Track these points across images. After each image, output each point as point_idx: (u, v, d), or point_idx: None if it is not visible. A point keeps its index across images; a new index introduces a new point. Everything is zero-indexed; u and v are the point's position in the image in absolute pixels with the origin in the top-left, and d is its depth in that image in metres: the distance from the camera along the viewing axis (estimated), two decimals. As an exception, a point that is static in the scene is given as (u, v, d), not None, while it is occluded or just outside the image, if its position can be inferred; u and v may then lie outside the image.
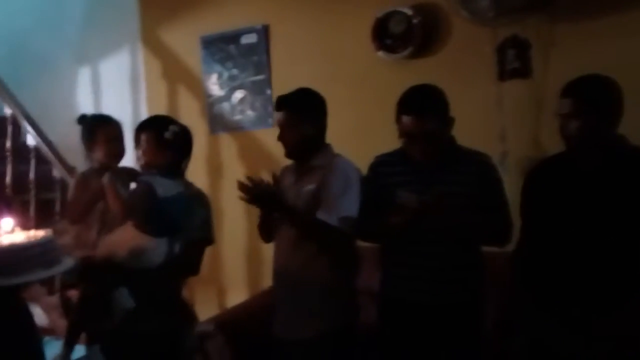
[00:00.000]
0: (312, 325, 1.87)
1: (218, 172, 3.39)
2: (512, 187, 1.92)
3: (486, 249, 1.91)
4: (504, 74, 2.68)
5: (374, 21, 2.88)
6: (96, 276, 1.83)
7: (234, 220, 3.23)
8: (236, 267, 3.41)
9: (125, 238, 1.84)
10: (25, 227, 1.57)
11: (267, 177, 1.93)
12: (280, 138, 1.94)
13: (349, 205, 1.82)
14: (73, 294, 3.20)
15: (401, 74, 2.78)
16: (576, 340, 1.58)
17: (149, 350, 1.83)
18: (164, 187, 1.86)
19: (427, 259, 1.81)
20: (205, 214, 1.98)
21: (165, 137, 1.88)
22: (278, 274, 1.99)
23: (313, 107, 1.95)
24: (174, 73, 3.60)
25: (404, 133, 1.82)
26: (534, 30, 2.60)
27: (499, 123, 2.64)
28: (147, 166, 1.92)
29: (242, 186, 1.78)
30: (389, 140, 1.96)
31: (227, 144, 3.44)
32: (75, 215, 1.96)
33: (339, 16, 3.06)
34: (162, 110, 3.37)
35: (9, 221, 1.50)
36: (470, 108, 2.41)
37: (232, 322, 2.46)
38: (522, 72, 2.65)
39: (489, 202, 1.81)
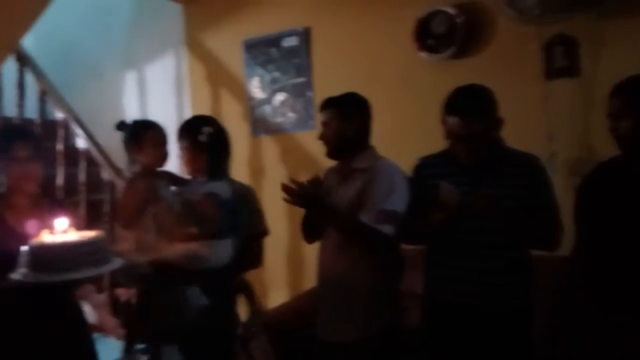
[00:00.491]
0: (355, 328, 1.86)
1: (260, 174, 3.44)
2: (560, 188, 1.87)
3: (536, 252, 1.86)
4: (551, 73, 2.61)
5: (415, 21, 2.86)
6: (165, 278, 1.87)
7: (276, 222, 3.21)
8: (277, 268, 3.44)
9: (189, 245, 1.88)
10: (76, 227, 1.62)
11: (308, 179, 1.95)
12: (322, 137, 1.95)
13: (391, 206, 1.81)
14: (121, 292, 3.30)
15: (443, 75, 2.76)
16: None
17: (226, 345, 1.88)
18: (221, 190, 1.90)
19: (473, 261, 1.78)
20: (257, 207, 2.04)
21: (200, 141, 1.91)
22: (322, 275, 2.00)
23: (356, 108, 1.95)
24: (217, 77, 3.67)
25: (449, 134, 1.80)
26: (582, 28, 2.53)
27: (546, 123, 2.58)
28: (193, 173, 1.95)
29: (285, 188, 1.80)
30: (430, 142, 1.94)
31: (269, 146, 3.48)
32: (127, 220, 1.99)
33: (379, 17, 3.05)
34: (206, 112, 3.43)
35: (63, 221, 1.56)
36: (516, 108, 2.34)
37: (275, 323, 2.47)
38: (571, 70, 2.58)
39: (538, 205, 1.76)
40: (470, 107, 1.76)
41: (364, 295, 1.86)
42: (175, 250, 1.86)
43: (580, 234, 1.71)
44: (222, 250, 1.86)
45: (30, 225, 1.66)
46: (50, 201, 1.94)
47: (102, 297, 3.24)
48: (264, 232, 2.07)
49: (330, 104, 1.96)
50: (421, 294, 1.94)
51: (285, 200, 1.81)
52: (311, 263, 3.24)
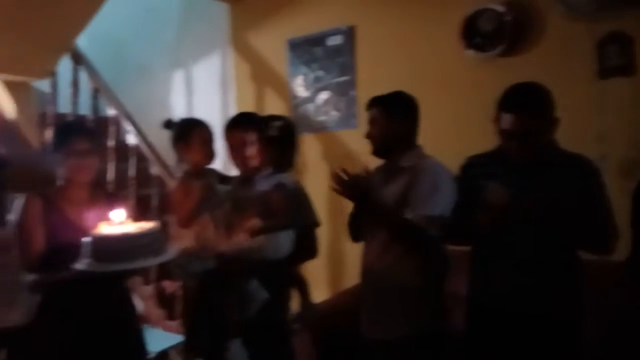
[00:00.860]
0: (397, 326, 1.86)
1: (301, 172, 3.47)
2: (612, 191, 1.81)
3: (587, 257, 1.80)
4: (604, 72, 2.53)
5: (462, 19, 2.82)
6: (227, 273, 1.91)
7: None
8: (318, 265, 3.45)
9: (251, 238, 1.90)
10: (132, 219, 1.69)
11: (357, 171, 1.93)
12: (368, 135, 1.95)
13: (436, 206, 1.79)
14: (167, 285, 3.40)
15: (491, 73, 2.71)
16: None
17: (285, 338, 1.92)
18: (288, 182, 1.94)
19: (522, 266, 1.74)
20: (308, 200, 2.05)
21: (270, 135, 1.93)
22: (366, 273, 2.00)
23: (403, 107, 1.94)
24: (262, 75, 3.73)
25: (503, 132, 1.75)
26: (637, 25, 2.44)
27: (598, 124, 2.49)
28: (261, 166, 1.97)
29: (336, 177, 1.80)
30: (477, 142, 1.92)
31: (311, 145, 3.50)
32: (186, 219, 2.03)
33: (425, 15, 3.03)
34: (250, 111, 3.48)
35: (121, 212, 1.63)
36: (566, 108, 2.28)
37: (317, 320, 2.48)
38: (625, 69, 2.49)
39: (590, 207, 1.71)
40: (527, 104, 1.71)
41: (407, 294, 1.86)
42: (237, 244, 1.89)
43: (637, 238, 1.65)
44: (283, 242, 1.90)
45: (87, 217, 1.73)
46: (104, 194, 2.02)
47: (149, 289, 3.34)
48: (316, 222, 2.09)
49: (377, 102, 1.96)
50: (466, 296, 1.91)
51: (334, 190, 1.81)
52: (351, 261, 3.27)
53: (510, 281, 1.75)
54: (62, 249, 1.72)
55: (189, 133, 2.11)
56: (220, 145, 2.18)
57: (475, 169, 1.88)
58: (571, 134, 1.98)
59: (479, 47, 2.80)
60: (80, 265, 1.59)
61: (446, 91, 2.94)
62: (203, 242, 1.96)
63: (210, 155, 2.14)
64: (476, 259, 1.90)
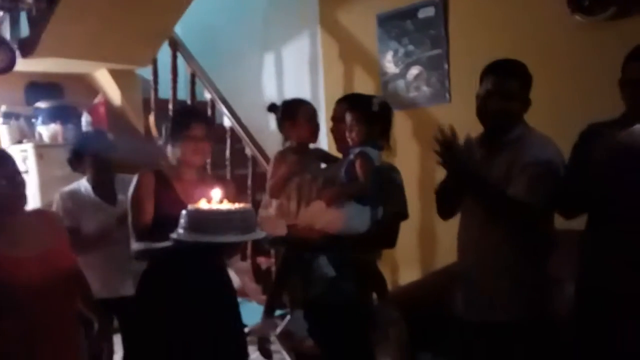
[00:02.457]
0: (498, 309, 1.77)
1: (392, 150, 3.41)
2: None
3: None
4: None
5: (567, -19, 2.60)
6: (299, 244, 1.95)
7: (408, 198, 3.21)
8: (409, 245, 3.41)
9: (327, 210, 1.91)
10: (231, 199, 1.78)
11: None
12: (481, 111, 1.80)
13: (545, 176, 1.68)
14: (262, 260, 3.53)
15: (601, 39, 2.49)
16: None
17: (347, 319, 1.91)
18: (373, 155, 1.92)
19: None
20: (401, 187, 2.01)
21: (373, 111, 1.92)
22: (463, 253, 1.92)
23: (522, 77, 1.79)
24: (350, 53, 3.69)
25: (630, 82, 1.61)
26: None
27: None
28: (360, 144, 1.96)
29: (442, 136, 1.72)
30: (586, 112, 1.76)
31: (401, 122, 3.41)
32: (275, 189, 2.10)
33: (525, -21, 2.83)
34: (338, 90, 3.48)
35: (217, 191, 1.73)
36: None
37: (408, 300, 2.46)
38: None
39: None
40: None
41: (508, 277, 1.76)
42: (313, 214, 1.91)
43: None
44: (359, 217, 1.88)
45: (194, 195, 1.85)
46: (211, 174, 2.14)
47: (246, 264, 3.49)
48: (403, 214, 2.02)
49: (510, 70, 1.77)
50: (576, 280, 1.78)
51: (436, 152, 1.74)
52: (443, 241, 3.19)
53: (629, 263, 1.60)
54: (169, 223, 1.83)
55: (295, 110, 2.16)
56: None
57: (597, 137, 1.70)
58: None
59: (588, 11, 2.58)
60: (175, 234, 1.70)
61: (550, 60, 2.72)
62: (281, 212, 2.01)
63: (315, 130, 2.18)
64: (589, 238, 1.75)
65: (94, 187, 2.50)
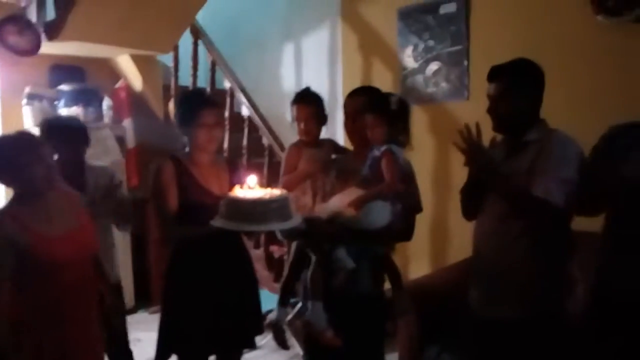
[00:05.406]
0: (514, 305, 1.78)
1: (408, 145, 3.41)
2: None
3: None
4: None
5: (592, -19, 2.58)
6: (319, 236, 1.97)
7: (422, 192, 3.22)
8: (421, 239, 3.43)
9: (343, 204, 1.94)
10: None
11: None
12: (490, 110, 1.82)
13: (566, 175, 1.68)
14: (275, 249, 3.57)
15: (625, 41, 2.46)
16: None
17: (368, 310, 1.94)
18: (399, 153, 1.92)
19: None
20: (416, 183, 2.03)
21: (391, 109, 1.93)
22: (479, 248, 1.93)
23: (530, 78, 1.80)
24: (370, 46, 3.70)
25: None
26: None
27: None
28: (380, 143, 1.97)
29: (466, 132, 1.74)
30: (609, 115, 1.75)
31: (419, 117, 3.42)
32: (288, 183, 2.15)
33: (549, -22, 2.80)
34: (357, 82, 3.48)
35: (253, 178, 1.78)
36: None
37: (419, 294, 2.47)
38: None
39: None
40: None
41: (524, 273, 1.76)
42: (331, 209, 1.94)
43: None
44: (381, 212, 1.89)
45: (211, 180, 1.90)
46: (224, 160, 2.21)
47: (259, 252, 3.53)
48: (419, 207, 2.05)
49: (501, 73, 1.81)
50: (592, 283, 1.75)
51: (462, 151, 1.75)
52: (455, 236, 3.20)
53: None
54: (192, 207, 1.94)
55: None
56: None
57: (620, 140, 1.68)
58: None
59: (611, 12, 2.54)
60: (216, 222, 1.75)
61: (574, 60, 2.70)
62: (297, 205, 2.04)
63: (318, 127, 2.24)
64: (609, 237, 1.73)
65: (63, 176, 2.04)
